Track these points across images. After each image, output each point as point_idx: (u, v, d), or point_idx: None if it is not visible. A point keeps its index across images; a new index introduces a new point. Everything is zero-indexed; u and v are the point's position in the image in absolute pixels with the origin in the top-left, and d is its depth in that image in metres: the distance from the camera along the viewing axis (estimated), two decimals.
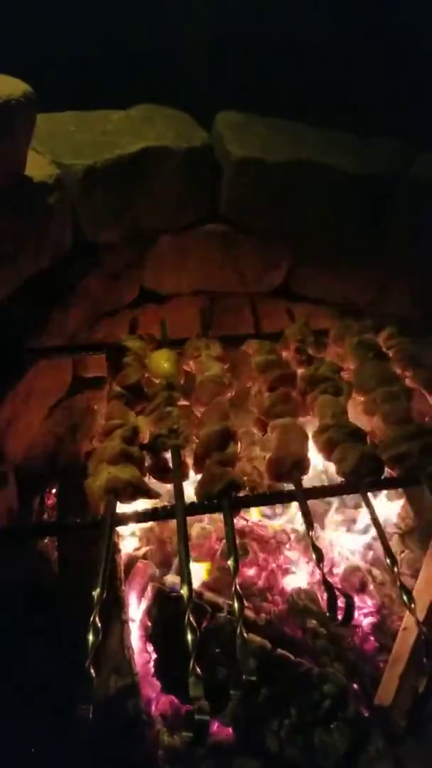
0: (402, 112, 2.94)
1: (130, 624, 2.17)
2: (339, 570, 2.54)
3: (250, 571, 2.46)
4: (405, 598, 1.54)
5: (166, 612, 2.14)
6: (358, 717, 1.98)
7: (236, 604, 1.48)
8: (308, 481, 1.83)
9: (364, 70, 3.11)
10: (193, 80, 2.93)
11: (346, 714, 1.96)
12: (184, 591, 1.48)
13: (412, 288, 2.77)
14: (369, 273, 2.79)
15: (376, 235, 2.63)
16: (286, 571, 2.49)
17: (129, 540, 2.48)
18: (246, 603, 2.32)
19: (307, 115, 2.79)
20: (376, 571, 2.57)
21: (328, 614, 1.49)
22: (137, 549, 2.45)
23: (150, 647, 2.13)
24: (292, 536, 2.61)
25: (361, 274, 2.80)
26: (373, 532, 2.75)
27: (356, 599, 2.43)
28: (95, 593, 1.41)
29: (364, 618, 2.38)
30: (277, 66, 3.12)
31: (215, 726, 2.01)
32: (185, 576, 1.50)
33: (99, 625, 1.35)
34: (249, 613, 2.24)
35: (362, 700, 2.09)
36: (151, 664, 2.11)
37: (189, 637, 1.40)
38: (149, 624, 2.15)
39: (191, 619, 1.42)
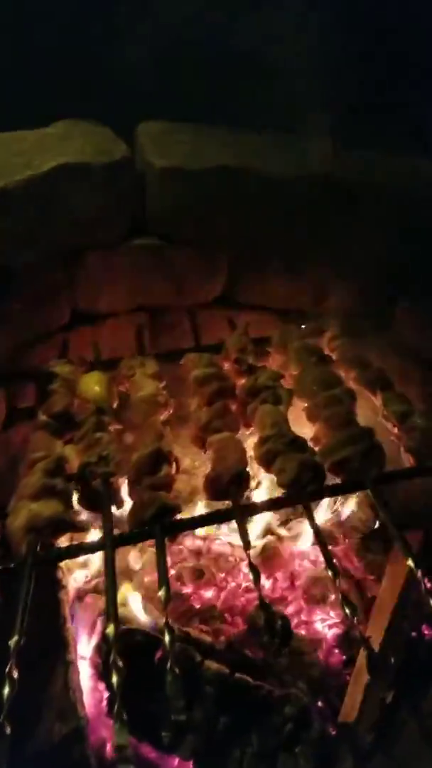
0: (334, 111, 2.90)
1: (81, 662, 2.07)
2: (301, 581, 2.46)
3: (208, 593, 2.37)
4: (347, 610, 1.46)
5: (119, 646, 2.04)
6: (323, 737, 1.89)
7: (167, 638, 1.40)
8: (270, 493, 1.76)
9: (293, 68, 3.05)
10: (121, 93, 2.87)
11: (310, 735, 1.88)
12: (109, 630, 1.39)
13: (354, 287, 2.70)
14: (309, 275, 2.73)
15: (313, 236, 2.57)
16: (246, 589, 2.41)
17: (78, 572, 2.38)
18: (204, 627, 2.24)
19: (236, 119, 2.74)
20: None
21: (264, 638, 1.41)
22: (87, 581, 2.35)
23: (102, 685, 2.04)
24: (251, 550, 2.52)
25: (301, 278, 2.74)
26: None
27: (318, 611, 2.35)
28: (11, 642, 1.31)
29: (329, 630, 2.30)
30: (207, 72, 3.06)
31: (175, 762, 1.92)
32: (111, 614, 1.42)
33: (15, 676, 1.26)
34: (206, 638, 2.15)
35: (328, 718, 2.00)
36: (104, 702, 2.01)
37: (114, 679, 1.31)
38: (99, 661, 2.05)
39: (117, 660, 1.34)
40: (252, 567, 1.53)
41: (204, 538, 2.54)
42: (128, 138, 2.53)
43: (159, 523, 1.62)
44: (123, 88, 2.83)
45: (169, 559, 2.43)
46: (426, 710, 1.91)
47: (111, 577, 1.50)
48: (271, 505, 1.78)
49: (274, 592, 2.42)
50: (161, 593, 1.47)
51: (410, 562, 1.56)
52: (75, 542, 1.71)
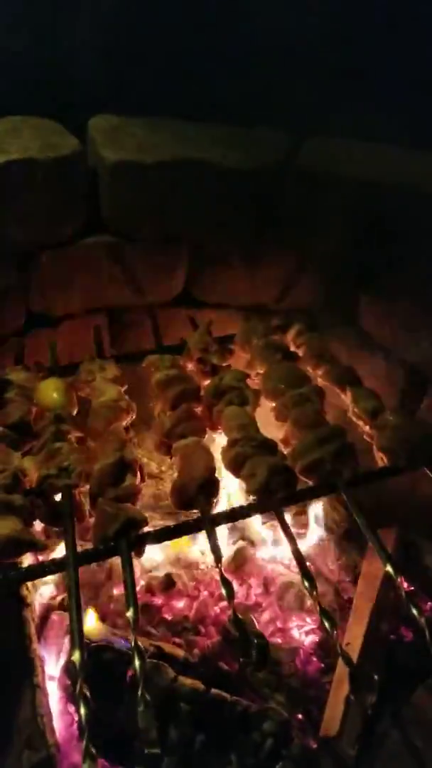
0: (289, 99, 2.83)
1: (50, 683, 1.97)
2: (275, 587, 2.38)
3: (180, 604, 2.28)
4: (327, 625, 1.39)
5: (88, 665, 1.94)
6: (304, 752, 1.82)
7: (137, 662, 1.31)
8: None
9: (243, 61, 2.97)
10: (73, 88, 2.76)
11: (291, 751, 1.80)
12: (75, 658, 1.30)
13: (318, 281, 2.64)
14: (271, 270, 2.66)
15: (272, 230, 2.49)
16: (219, 598, 2.32)
17: (44, 587, 2.27)
18: (177, 640, 2.15)
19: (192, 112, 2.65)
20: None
21: (240, 658, 1.33)
22: (53, 597, 2.24)
23: (72, 708, 1.93)
24: (224, 557, 2.44)
25: (263, 272, 2.67)
26: (311, 541, 2.63)
27: (294, 618, 2.28)
28: None
29: (306, 636, 2.23)
30: (160, 65, 2.96)
31: None
32: (76, 640, 1.32)
33: None
34: (179, 652, 2.06)
35: (309, 731, 1.93)
36: (75, 726, 1.91)
37: (82, 711, 1.22)
38: (69, 683, 1.95)
39: (84, 690, 1.24)
40: (225, 582, 1.45)
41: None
42: (82, 134, 2.43)
43: (125, 539, 1.53)
44: (75, 83, 2.74)
45: (138, 570, 2.36)
46: (407, 717, 1.84)
47: (75, 600, 1.41)
48: (241, 513, 1.70)
49: (247, 598, 2.34)
50: (130, 614, 1.38)
51: (389, 568, 1.50)
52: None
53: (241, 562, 2.42)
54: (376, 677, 1.80)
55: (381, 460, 1.88)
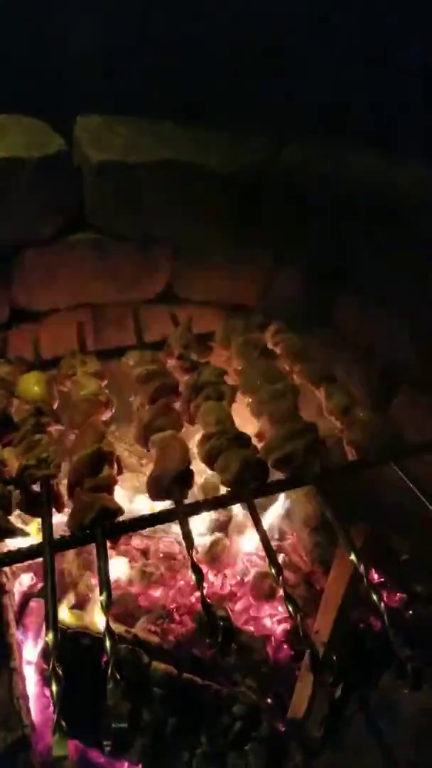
0: (275, 102, 2.89)
1: (27, 667, 2.03)
2: (249, 577, 2.45)
3: (156, 593, 2.35)
4: (290, 609, 1.46)
5: (64, 651, 2.00)
6: (273, 734, 1.89)
7: (108, 642, 1.37)
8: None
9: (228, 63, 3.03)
10: (62, 87, 2.80)
11: (259, 733, 1.87)
12: (49, 638, 1.36)
13: (297, 279, 2.70)
14: (252, 269, 2.73)
15: (254, 230, 2.55)
16: (194, 587, 2.38)
17: (24, 575, 2.32)
18: (152, 627, 2.21)
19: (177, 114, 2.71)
20: (287, 574, 2.49)
21: (207, 640, 1.39)
22: (32, 585, 2.30)
23: (48, 691, 1.99)
24: (200, 547, 2.51)
25: (244, 271, 2.73)
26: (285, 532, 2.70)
27: (267, 607, 2.35)
28: None
29: (278, 625, 2.30)
30: (146, 66, 3.00)
31: (124, 766, 1.89)
32: (50, 622, 1.38)
33: None
34: (154, 638, 2.13)
35: (278, 714, 2.00)
36: (51, 708, 1.97)
37: (54, 688, 1.28)
38: (46, 666, 2.01)
39: (57, 668, 1.30)
40: (195, 568, 1.51)
41: (151, 537, 2.51)
42: (68, 133, 2.48)
43: (100, 527, 1.59)
44: (64, 82, 2.79)
45: (114, 560, 2.43)
46: (373, 702, 1.92)
47: (50, 584, 1.46)
48: (215, 504, 1.76)
49: (222, 588, 2.41)
50: (102, 598, 1.44)
51: (353, 557, 1.56)
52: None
53: (216, 552, 2.49)
54: (335, 658, 1.86)
55: (351, 454, 1.95)
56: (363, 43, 2.75)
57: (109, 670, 1.31)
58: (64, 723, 1.24)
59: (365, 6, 2.76)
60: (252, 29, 3.00)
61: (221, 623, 1.36)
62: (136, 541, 2.50)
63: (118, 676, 1.31)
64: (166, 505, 1.75)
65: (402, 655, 1.38)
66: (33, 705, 1.94)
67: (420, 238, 2.24)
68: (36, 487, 1.74)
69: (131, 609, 2.27)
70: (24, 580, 2.30)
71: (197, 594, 1.45)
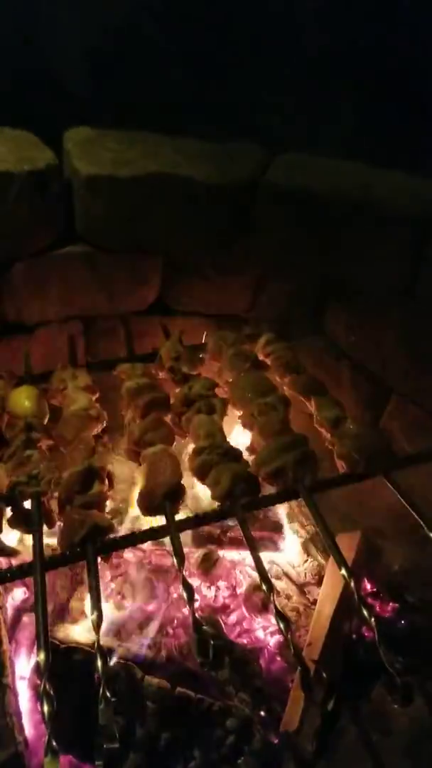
0: (265, 114, 2.91)
1: (21, 682, 2.03)
2: (242, 590, 2.45)
3: (150, 606, 2.35)
4: (281, 626, 1.46)
5: (57, 666, 2.00)
6: (265, 747, 1.89)
7: (99, 662, 1.38)
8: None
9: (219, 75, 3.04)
10: (51, 100, 2.81)
11: (252, 746, 1.88)
12: (40, 658, 1.37)
13: (286, 291, 2.72)
14: (243, 280, 2.73)
15: (244, 241, 2.55)
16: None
17: (17, 590, 2.32)
18: (146, 641, 2.21)
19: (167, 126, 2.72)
20: (281, 585, 2.50)
21: (198, 658, 1.39)
22: (25, 599, 2.29)
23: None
24: (192, 560, 2.51)
25: (235, 283, 2.74)
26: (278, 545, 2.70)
27: (260, 619, 2.35)
28: None
29: (271, 637, 2.30)
30: (137, 79, 3.01)
31: None
32: (41, 641, 1.39)
33: None
34: (148, 652, 2.13)
35: (271, 727, 2.00)
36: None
37: (45, 708, 1.28)
38: (39, 682, 2.00)
39: (48, 689, 1.31)
40: (185, 585, 1.51)
41: (144, 550, 2.51)
42: (58, 146, 2.48)
43: (91, 545, 1.59)
44: (53, 94, 2.79)
45: (108, 573, 2.43)
46: (365, 713, 1.93)
47: (41, 602, 1.47)
48: (205, 519, 1.77)
49: (215, 601, 2.41)
50: (93, 617, 1.45)
51: (344, 572, 1.57)
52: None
53: (209, 565, 2.49)
54: (324, 675, 1.87)
55: (341, 467, 1.96)
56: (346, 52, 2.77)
57: (101, 690, 1.32)
58: (55, 743, 1.24)
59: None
60: (241, 39, 3.03)
61: (212, 642, 1.37)
62: (128, 554, 2.49)
63: (109, 696, 1.32)
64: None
65: (393, 671, 1.39)
66: (26, 721, 1.94)
67: (405, 250, 2.26)
68: (27, 504, 1.76)
69: (124, 622, 2.27)
70: (17, 595, 2.30)
71: (190, 614, 1.45)
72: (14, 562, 2.00)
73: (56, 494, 1.75)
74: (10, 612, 2.22)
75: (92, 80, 2.90)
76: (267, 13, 2.93)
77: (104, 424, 2.09)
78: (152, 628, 2.26)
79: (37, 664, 1.38)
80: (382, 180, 2.43)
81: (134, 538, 1.68)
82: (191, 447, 2.01)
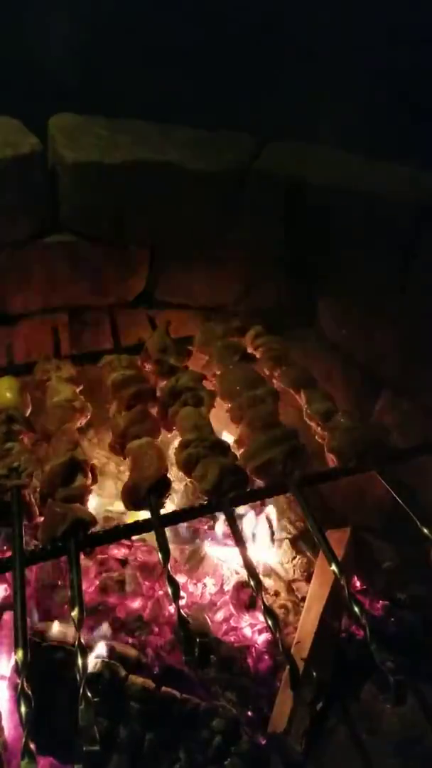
0: (254, 102, 2.85)
1: (1, 683, 1.97)
2: (229, 587, 2.40)
3: (135, 604, 2.29)
4: (270, 623, 1.42)
5: (39, 665, 1.94)
6: (253, 748, 1.84)
7: (80, 661, 1.32)
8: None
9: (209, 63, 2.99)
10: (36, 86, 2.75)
11: (239, 747, 1.82)
12: (18, 656, 1.31)
13: (277, 282, 2.67)
14: (232, 271, 2.68)
15: (233, 231, 2.51)
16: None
17: None
18: (130, 639, 2.16)
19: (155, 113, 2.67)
20: (268, 582, 2.45)
21: (184, 656, 1.34)
22: (5, 597, 2.23)
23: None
24: (178, 556, 2.46)
25: (224, 274, 2.69)
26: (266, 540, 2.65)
27: (247, 615, 2.30)
28: None
29: (258, 635, 2.25)
30: (124, 65, 2.95)
31: None
32: (19, 639, 1.33)
33: None
34: (132, 651, 2.07)
35: (258, 728, 1.95)
36: None
37: (22, 709, 1.23)
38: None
39: (26, 688, 1.25)
40: (171, 581, 1.46)
41: (129, 546, 2.46)
42: (43, 132, 2.43)
43: (73, 539, 1.54)
44: (40, 81, 2.73)
45: (93, 569, 2.37)
46: (355, 714, 1.88)
47: (20, 599, 1.41)
48: (192, 513, 1.72)
49: (202, 598, 2.36)
50: (74, 614, 1.40)
51: (334, 568, 1.52)
52: None
53: (196, 561, 2.44)
54: (314, 674, 1.82)
55: (332, 461, 1.91)
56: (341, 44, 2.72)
57: (80, 690, 1.27)
58: (32, 746, 1.19)
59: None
60: (232, 29, 2.97)
61: (198, 639, 1.32)
62: (114, 550, 2.44)
63: (90, 696, 1.27)
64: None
65: (385, 669, 1.34)
66: (6, 721, 1.88)
67: (396, 243, 2.21)
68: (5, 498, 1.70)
69: (109, 620, 2.21)
70: None
71: (173, 608, 1.40)
72: None
73: (38, 487, 1.70)
74: None
75: (80, 67, 2.84)
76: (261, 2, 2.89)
77: (88, 417, 2.03)
78: (136, 625, 2.20)
79: (16, 662, 1.32)
80: (375, 170, 2.39)
81: (118, 533, 1.63)
82: (178, 440, 1.96)
